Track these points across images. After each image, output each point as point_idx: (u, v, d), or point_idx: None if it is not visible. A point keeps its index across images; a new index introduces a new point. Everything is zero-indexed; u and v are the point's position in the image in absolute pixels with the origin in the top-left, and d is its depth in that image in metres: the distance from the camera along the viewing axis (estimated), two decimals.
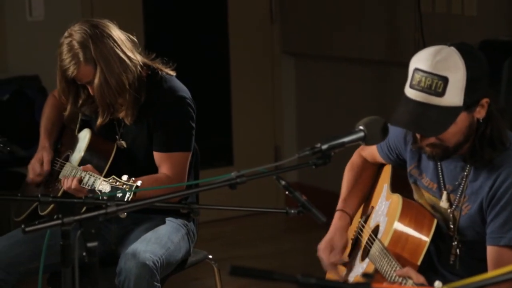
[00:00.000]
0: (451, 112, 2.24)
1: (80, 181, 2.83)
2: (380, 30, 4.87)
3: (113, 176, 2.66)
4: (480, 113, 2.29)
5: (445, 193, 2.41)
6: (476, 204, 2.33)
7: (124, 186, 2.61)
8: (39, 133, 3.30)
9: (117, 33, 3.02)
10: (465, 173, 2.36)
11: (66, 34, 3.00)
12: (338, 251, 2.59)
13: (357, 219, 2.70)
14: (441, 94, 2.22)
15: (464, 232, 2.40)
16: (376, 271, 2.39)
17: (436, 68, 2.23)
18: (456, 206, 2.39)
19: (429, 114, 2.24)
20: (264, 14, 5.60)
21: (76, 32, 2.97)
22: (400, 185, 2.59)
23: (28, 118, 4.51)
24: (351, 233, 2.71)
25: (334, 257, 2.58)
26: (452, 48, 2.26)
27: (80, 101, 3.11)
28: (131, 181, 2.61)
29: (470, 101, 2.25)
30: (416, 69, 2.26)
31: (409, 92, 2.28)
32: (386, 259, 2.35)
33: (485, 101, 2.28)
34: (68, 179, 2.88)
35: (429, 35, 4.46)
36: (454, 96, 2.22)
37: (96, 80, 2.96)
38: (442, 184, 2.42)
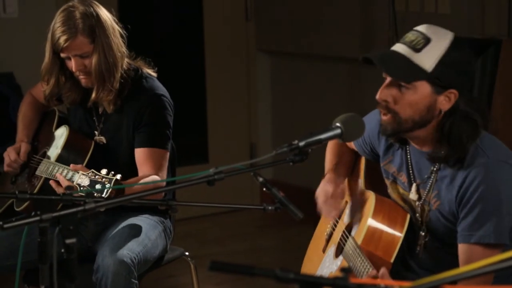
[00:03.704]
0: (417, 71, 2.23)
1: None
2: (355, 28, 4.89)
3: (92, 169, 2.65)
4: (443, 104, 2.27)
5: (414, 185, 2.43)
6: (446, 200, 2.34)
7: (103, 179, 2.60)
8: (13, 130, 3.28)
9: (112, 20, 3.06)
10: (434, 168, 2.37)
11: (65, 6, 3.00)
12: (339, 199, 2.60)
13: None
14: (418, 50, 2.24)
15: (433, 225, 2.41)
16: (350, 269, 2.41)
17: (426, 30, 2.27)
18: (424, 200, 2.41)
19: (398, 61, 2.25)
20: (239, 12, 5.61)
21: (79, 5, 2.98)
22: (374, 180, 2.61)
23: (2, 115, 4.48)
24: (325, 227, 2.73)
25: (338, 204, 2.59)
26: (452, 33, 2.28)
27: (59, 85, 3.09)
28: (110, 174, 2.60)
29: (438, 76, 2.23)
30: (413, 29, 2.30)
31: (394, 46, 2.31)
32: (359, 259, 2.36)
33: (453, 93, 2.26)
34: (62, 182, 2.75)
35: (403, 33, 4.48)
36: (428, 58, 2.23)
37: (96, 56, 2.96)
38: (412, 177, 2.44)
